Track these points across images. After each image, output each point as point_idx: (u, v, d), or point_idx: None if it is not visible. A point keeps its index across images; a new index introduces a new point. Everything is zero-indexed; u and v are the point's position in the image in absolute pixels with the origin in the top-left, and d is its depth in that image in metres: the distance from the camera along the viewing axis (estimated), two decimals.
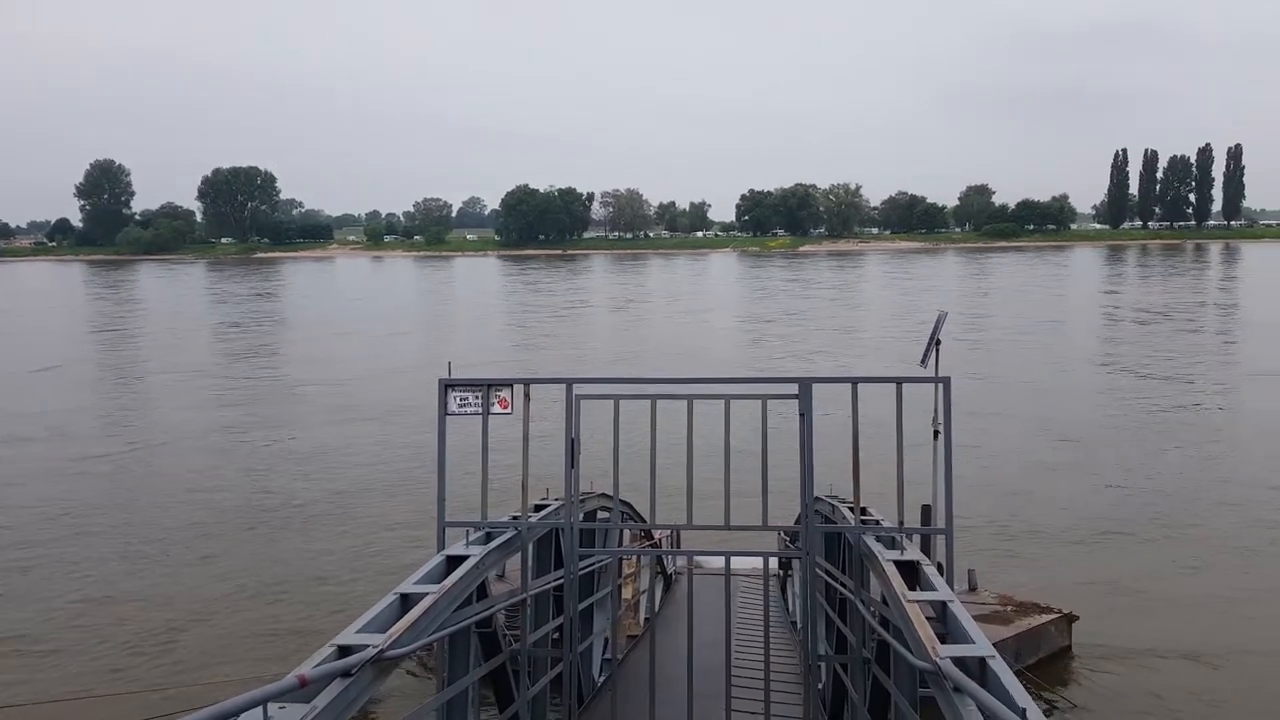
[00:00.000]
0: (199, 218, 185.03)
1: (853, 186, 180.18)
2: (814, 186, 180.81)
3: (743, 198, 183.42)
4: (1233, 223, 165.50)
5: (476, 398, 5.87)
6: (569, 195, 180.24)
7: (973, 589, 12.47)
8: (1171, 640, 12.04)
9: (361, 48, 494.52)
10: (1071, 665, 11.57)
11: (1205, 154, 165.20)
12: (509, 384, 5.91)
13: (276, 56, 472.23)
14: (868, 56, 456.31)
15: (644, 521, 8.66)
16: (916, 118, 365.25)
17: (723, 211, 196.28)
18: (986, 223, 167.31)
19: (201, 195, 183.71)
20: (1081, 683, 11.18)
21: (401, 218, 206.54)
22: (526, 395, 5.89)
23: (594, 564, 7.38)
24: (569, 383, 5.94)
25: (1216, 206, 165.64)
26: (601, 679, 7.73)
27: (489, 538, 5.68)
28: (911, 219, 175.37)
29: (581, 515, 7.11)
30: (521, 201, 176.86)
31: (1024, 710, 2.90)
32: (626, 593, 9.27)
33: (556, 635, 6.45)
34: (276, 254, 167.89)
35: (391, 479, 20.48)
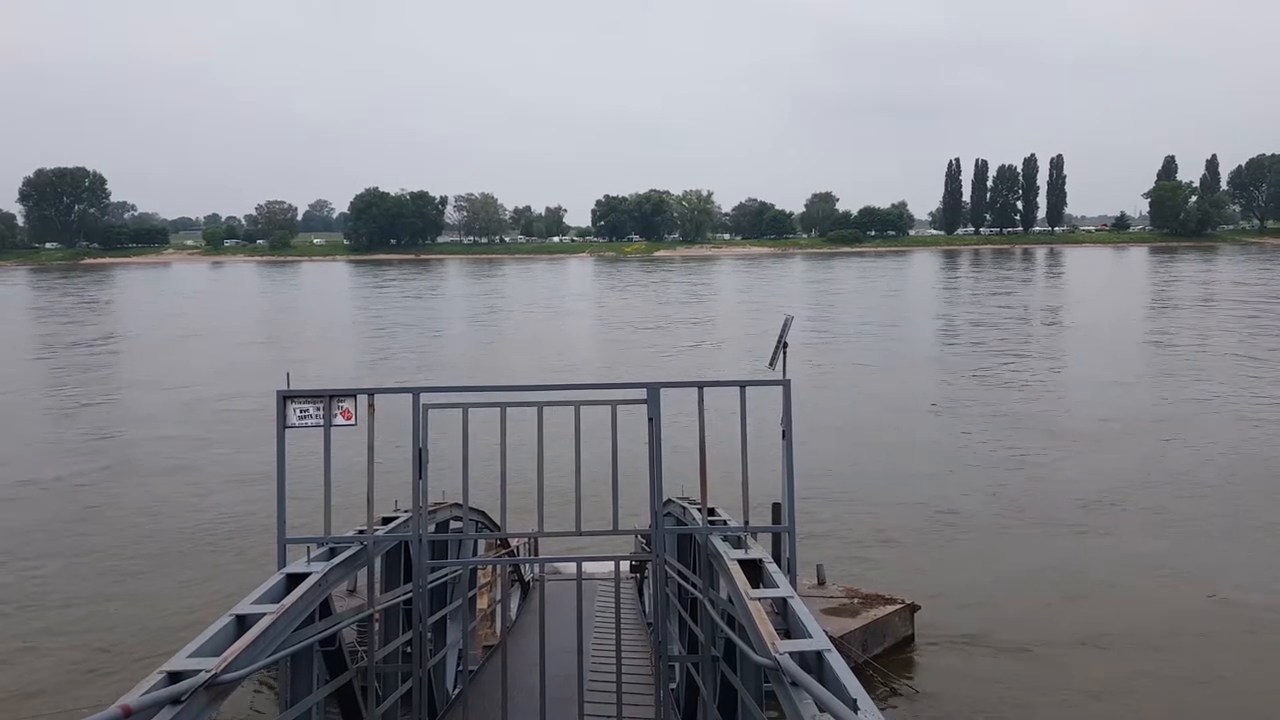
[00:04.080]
0: (20, 221, 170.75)
1: (705, 193, 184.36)
2: (668, 193, 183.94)
3: (598, 203, 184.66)
4: (1056, 228, 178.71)
5: (318, 409, 5.65)
6: (421, 199, 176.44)
7: (821, 583, 12.96)
8: (1006, 627, 12.83)
9: (198, 47, 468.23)
10: (914, 653, 12.19)
11: (1030, 164, 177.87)
12: (352, 394, 5.72)
13: (105, 54, 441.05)
14: (719, 67, 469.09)
15: (499, 530, 8.58)
16: (765, 127, 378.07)
17: (579, 217, 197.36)
18: (831, 229, 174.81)
19: (23, 198, 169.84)
20: (923, 669, 11.80)
21: (243, 221, 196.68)
22: (371, 406, 5.71)
23: (446, 576, 7.23)
24: (415, 392, 5.80)
25: (1042, 213, 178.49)
26: (456, 691, 7.60)
27: (333, 553, 5.48)
28: (761, 225, 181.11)
29: (433, 527, 6.96)
30: (371, 205, 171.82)
31: (855, 701, 3.03)
32: (482, 603, 9.14)
33: (408, 650, 6.30)
34: (107, 260, 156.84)
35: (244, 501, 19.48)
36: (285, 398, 5.66)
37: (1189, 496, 18.79)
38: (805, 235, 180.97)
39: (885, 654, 11.90)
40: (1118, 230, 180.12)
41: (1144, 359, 37.90)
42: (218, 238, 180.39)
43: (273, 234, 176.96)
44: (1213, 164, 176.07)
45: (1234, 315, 53.07)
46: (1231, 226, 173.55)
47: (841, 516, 17.72)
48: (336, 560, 5.35)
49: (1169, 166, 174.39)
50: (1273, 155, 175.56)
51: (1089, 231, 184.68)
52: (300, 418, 5.67)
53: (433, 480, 6.07)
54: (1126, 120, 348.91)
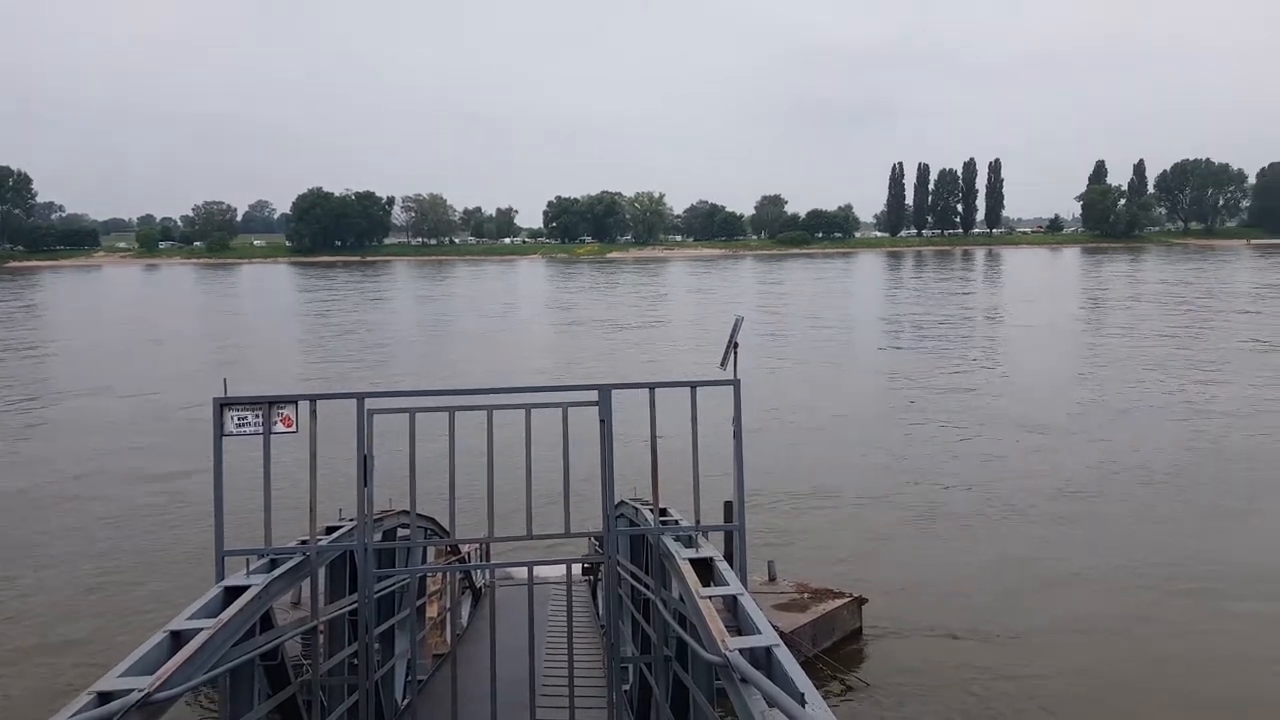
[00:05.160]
0: None
1: (657, 195, 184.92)
2: (620, 195, 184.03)
3: (550, 204, 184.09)
4: (994, 230, 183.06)
5: (257, 417, 5.51)
6: (367, 199, 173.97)
7: (772, 579, 13.08)
8: (952, 617, 13.07)
9: (135, 43, 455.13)
10: (862, 645, 12.37)
11: (970, 168, 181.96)
12: (293, 400, 5.58)
13: (36, 49, 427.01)
14: (672, 71, 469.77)
15: (448, 537, 8.47)
16: (715, 130, 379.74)
17: (530, 218, 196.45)
18: (780, 230, 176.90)
19: None
20: (870, 660, 11.97)
21: (180, 223, 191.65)
22: (313, 412, 5.58)
23: (393, 584, 7.11)
24: (360, 397, 5.69)
25: (981, 215, 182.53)
26: (405, 702, 7.47)
27: (274, 565, 5.35)
28: (712, 227, 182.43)
29: (379, 535, 6.84)
30: (315, 205, 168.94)
31: (803, 695, 3.05)
32: (432, 611, 9.01)
33: (355, 661, 6.17)
34: (33, 263, 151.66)
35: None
36: (222, 405, 5.51)
37: (1141, 485, 19.34)
38: (755, 237, 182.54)
39: (834, 647, 12.06)
40: (1052, 232, 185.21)
41: (1089, 357, 38.90)
42: (152, 239, 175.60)
43: (211, 235, 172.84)
44: (1140, 168, 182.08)
45: (1172, 314, 54.83)
46: (1158, 228, 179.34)
47: (797, 512, 17.87)
48: (278, 572, 5.23)
49: (1100, 171, 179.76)
50: (1195, 160, 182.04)
51: (1025, 233, 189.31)
52: (239, 426, 5.52)
53: (379, 488, 5.95)
54: (1061, 126, 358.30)
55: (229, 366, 37.32)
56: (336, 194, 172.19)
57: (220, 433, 5.49)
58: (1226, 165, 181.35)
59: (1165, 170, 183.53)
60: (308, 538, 5.75)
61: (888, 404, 29.27)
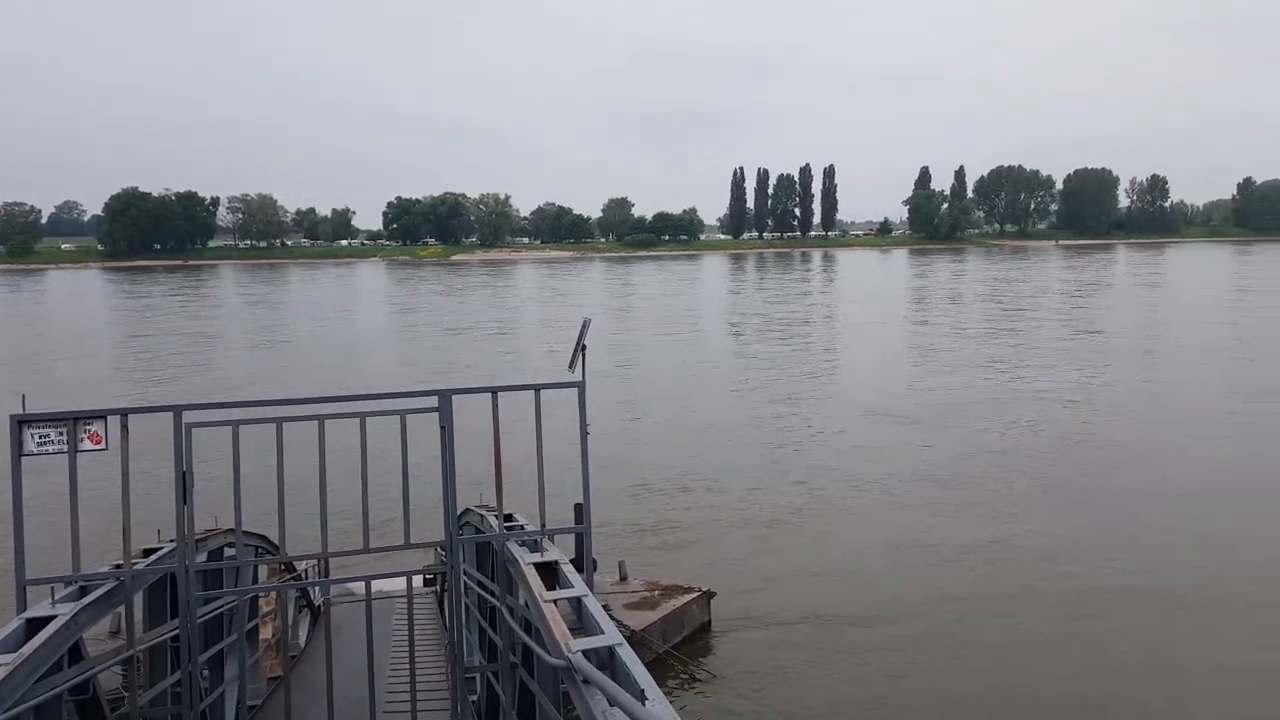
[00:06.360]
0: None
1: (502, 196, 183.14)
2: (464, 196, 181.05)
3: (390, 205, 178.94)
4: (829, 232, 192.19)
5: (61, 434, 5.10)
6: (189, 199, 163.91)
7: (623, 579, 13.21)
8: (798, 607, 13.53)
9: None
10: (711, 638, 12.65)
11: (806, 173, 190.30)
12: (101, 415, 5.19)
13: None
14: (516, 72, 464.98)
15: (280, 554, 8.08)
16: (562, 132, 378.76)
17: (369, 219, 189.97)
18: (628, 233, 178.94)
19: None
20: (718, 653, 12.27)
21: None
22: (124, 427, 5.22)
23: (219, 607, 6.72)
24: (177, 410, 5.36)
25: (817, 219, 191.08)
26: None
27: (84, 592, 4.98)
28: (560, 229, 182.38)
29: (205, 556, 6.47)
30: (130, 206, 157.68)
31: (643, 692, 3.09)
32: (266, 633, 8.58)
33: (179, 690, 5.79)
34: None
35: None
36: (21, 422, 5.09)
37: (996, 469, 20.61)
38: (603, 239, 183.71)
39: (685, 642, 12.30)
40: (882, 234, 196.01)
41: (932, 351, 41.30)
42: None
43: (11, 239, 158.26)
44: (960, 174, 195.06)
45: (1003, 310, 59.06)
46: (977, 230, 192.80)
47: (651, 511, 18.07)
48: (87, 599, 4.89)
49: (924, 176, 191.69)
50: (1009, 166, 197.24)
51: (858, 235, 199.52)
52: (40, 444, 5.10)
53: (204, 508, 5.63)
54: (891, 133, 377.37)
55: (33, 381, 34.29)
56: (155, 194, 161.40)
57: (19, 453, 5.09)
58: (1037, 171, 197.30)
59: (983, 176, 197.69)
60: (121, 562, 5.37)
61: (743, 402, 30.07)
